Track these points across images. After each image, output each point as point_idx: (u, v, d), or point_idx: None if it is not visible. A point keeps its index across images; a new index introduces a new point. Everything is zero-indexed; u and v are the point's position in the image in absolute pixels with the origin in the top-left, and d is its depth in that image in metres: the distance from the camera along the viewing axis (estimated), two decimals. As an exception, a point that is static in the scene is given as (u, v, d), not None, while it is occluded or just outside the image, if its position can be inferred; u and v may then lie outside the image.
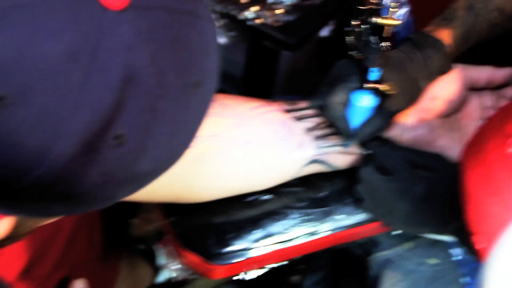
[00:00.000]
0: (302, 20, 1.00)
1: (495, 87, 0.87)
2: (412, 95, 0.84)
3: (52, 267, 1.02)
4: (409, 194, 0.77)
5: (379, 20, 0.73)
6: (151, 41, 0.46)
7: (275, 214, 0.86)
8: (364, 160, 0.84)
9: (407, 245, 0.96)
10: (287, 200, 0.88)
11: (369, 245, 0.99)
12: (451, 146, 0.85)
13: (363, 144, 0.85)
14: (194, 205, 0.84)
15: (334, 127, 0.84)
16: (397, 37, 0.90)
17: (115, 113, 0.45)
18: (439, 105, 0.87)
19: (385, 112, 0.81)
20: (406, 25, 0.89)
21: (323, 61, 1.03)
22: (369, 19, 0.73)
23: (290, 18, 0.99)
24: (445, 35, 0.85)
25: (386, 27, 0.74)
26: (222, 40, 1.00)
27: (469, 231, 0.54)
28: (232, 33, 1.01)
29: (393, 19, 0.74)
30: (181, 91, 0.48)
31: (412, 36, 0.86)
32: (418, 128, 0.86)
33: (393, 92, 0.78)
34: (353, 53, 0.79)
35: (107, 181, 0.48)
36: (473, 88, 0.88)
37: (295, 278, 1.14)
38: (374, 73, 0.77)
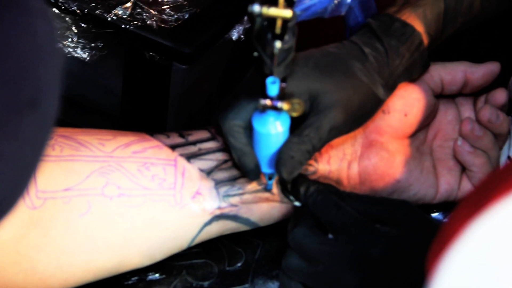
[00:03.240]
0: (201, 18, 0.84)
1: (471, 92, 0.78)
2: (361, 111, 0.70)
3: None
4: (362, 260, 0.67)
5: (266, 10, 0.59)
6: None
7: (168, 301, 0.74)
8: (295, 217, 0.71)
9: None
10: (184, 278, 0.76)
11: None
12: (418, 180, 0.76)
13: (294, 190, 0.72)
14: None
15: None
16: (350, 23, 0.79)
17: None
18: (396, 121, 0.76)
19: (306, 139, 0.69)
20: (362, 5, 0.78)
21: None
22: (257, 10, 0.59)
23: (183, 16, 0.84)
24: (418, 18, 0.73)
25: (278, 20, 0.59)
26: (83, 55, 0.83)
27: None
28: (99, 44, 0.83)
29: (287, 8, 0.59)
30: (9, 113, 0.44)
31: (370, 21, 0.73)
32: (369, 156, 0.75)
33: (299, 113, 0.65)
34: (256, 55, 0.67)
35: None
36: (442, 95, 0.78)
37: None
38: (273, 85, 0.64)
